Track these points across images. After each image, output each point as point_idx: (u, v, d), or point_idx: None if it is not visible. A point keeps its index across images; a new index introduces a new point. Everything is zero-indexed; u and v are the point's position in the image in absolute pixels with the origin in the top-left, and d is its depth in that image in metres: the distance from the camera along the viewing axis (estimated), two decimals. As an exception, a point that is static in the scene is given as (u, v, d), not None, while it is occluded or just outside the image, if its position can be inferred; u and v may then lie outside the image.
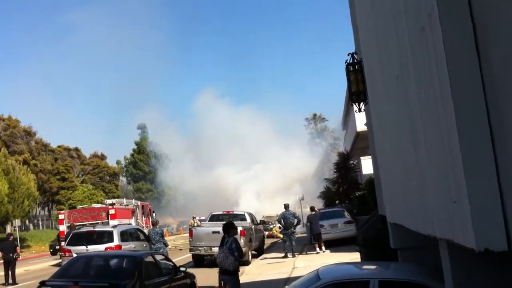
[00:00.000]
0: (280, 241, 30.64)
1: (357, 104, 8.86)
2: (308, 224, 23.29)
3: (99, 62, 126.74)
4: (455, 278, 4.17)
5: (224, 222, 22.11)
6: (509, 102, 2.68)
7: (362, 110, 9.07)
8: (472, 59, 3.00)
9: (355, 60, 8.86)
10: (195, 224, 31.26)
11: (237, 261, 10.55)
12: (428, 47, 3.51)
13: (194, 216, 43.16)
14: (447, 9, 3.06)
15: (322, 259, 18.50)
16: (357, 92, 8.69)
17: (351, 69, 8.84)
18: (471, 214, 2.95)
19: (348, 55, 8.92)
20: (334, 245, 22.33)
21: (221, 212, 24.86)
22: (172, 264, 12.18)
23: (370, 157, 24.33)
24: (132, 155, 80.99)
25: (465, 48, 3.01)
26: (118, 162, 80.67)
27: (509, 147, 2.74)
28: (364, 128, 21.07)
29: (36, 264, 29.04)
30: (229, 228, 10.77)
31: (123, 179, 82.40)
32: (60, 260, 23.04)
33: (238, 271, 10.85)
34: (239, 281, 11.05)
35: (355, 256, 14.92)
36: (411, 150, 4.74)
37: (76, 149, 72.00)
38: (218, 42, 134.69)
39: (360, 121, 22.47)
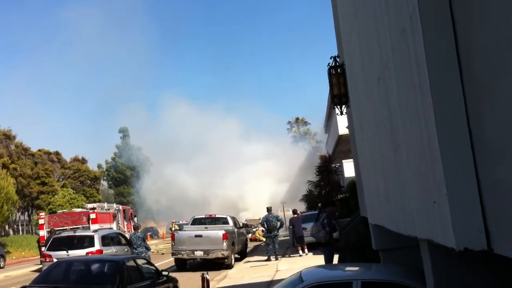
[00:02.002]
0: (263, 244, 30.68)
1: (339, 107, 8.92)
2: (291, 227, 23.34)
3: (81, 66, 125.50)
4: (436, 278, 4.21)
5: (205, 226, 22.30)
6: (488, 103, 2.72)
7: (344, 113, 9.14)
8: (452, 62, 3.03)
9: (337, 63, 8.92)
10: (173, 229, 31.14)
11: (328, 234, 11.80)
12: (409, 49, 3.55)
13: (174, 220, 43.03)
14: (429, 11, 3.10)
15: (305, 262, 18.53)
16: (339, 95, 8.75)
17: (333, 72, 8.90)
18: (450, 214, 2.99)
19: (331, 58, 8.99)
20: (317, 247, 22.40)
21: (204, 216, 24.77)
22: (154, 268, 12.11)
23: (352, 160, 24.59)
24: (113, 158, 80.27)
25: (446, 50, 3.05)
26: (99, 166, 79.86)
27: (488, 148, 2.78)
28: (346, 131, 21.27)
29: (17, 270, 28.61)
30: (327, 204, 12.35)
31: (104, 183, 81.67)
32: (40, 266, 22.79)
33: (332, 242, 12.21)
34: (332, 252, 12.29)
35: (337, 259, 15.00)
36: (391, 151, 4.78)
37: (57, 153, 71.08)
38: (201, 47, 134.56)
39: (342, 124, 22.60)
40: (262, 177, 66.56)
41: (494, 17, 2.52)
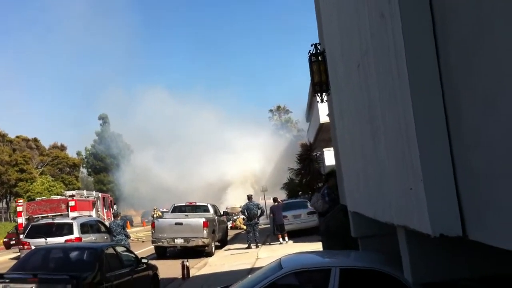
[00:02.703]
0: (243, 232, 30.79)
1: (319, 94, 8.93)
2: (271, 215, 23.46)
3: (62, 52, 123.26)
4: (413, 264, 4.26)
5: (186, 214, 22.29)
6: (463, 88, 2.74)
7: (324, 100, 9.15)
8: (430, 48, 3.05)
9: (318, 51, 8.91)
10: (156, 215, 31.03)
11: (326, 204, 12.11)
12: (387, 35, 3.55)
13: (155, 207, 42.90)
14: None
15: (285, 250, 18.67)
16: (319, 83, 8.75)
17: (314, 59, 8.88)
18: (426, 200, 3.02)
19: (312, 45, 8.97)
20: (297, 235, 22.57)
21: (184, 204, 24.73)
22: (134, 256, 12.10)
23: (333, 148, 24.75)
24: (93, 146, 79.45)
25: (424, 36, 3.05)
26: (78, 153, 79.05)
27: (464, 134, 2.81)
28: (327, 119, 21.37)
29: (-7, 257, 28.26)
30: (329, 177, 12.55)
31: (83, 171, 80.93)
32: (18, 253, 22.55)
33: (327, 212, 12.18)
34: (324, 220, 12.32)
35: (318, 246, 15.12)
36: (370, 138, 4.81)
37: (35, 140, 70.24)
38: (184, 33, 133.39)
39: (324, 112, 22.69)
40: (242, 165, 66.69)
41: (469, 3, 2.53)
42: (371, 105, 4.58)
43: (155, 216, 30.92)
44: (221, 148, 69.04)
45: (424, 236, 3.37)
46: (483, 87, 2.44)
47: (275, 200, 24.00)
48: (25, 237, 18.98)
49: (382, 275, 6.03)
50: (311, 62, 8.93)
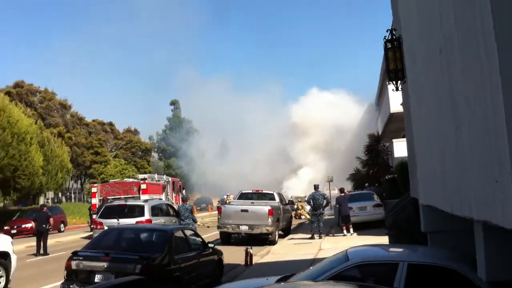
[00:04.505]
0: (307, 222, 30.71)
1: (394, 82, 8.64)
2: (337, 206, 23.22)
3: (136, 38, 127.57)
4: (488, 261, 4.10)
5: (252, 201, 22.48)
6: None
7: (399, 89, 8.85)
8: None
9: (394, 37, 8.61)
10: (228, 201, 31.54)
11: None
12: (475, 19, 3.36)
13: (228, 193, 43.58)
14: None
15: (349, 242, 18.42)
16: (395, 70, 8.45)
17: (389, 46, 8.57)
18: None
19: (387, 31, 8.65)
20: (362, 228, 22.24)
21: (250, 191, 24.90)
22: (200, 240, 12.31)
23: (403, 139, 24.10)
24: (164, 131, 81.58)
25: None
26: (150, 138, 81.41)
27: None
28: (398, 109, 20.79)
29: (67, 236, 29.80)
30: None
31: (154, 155, 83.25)
32: (91, 233, 23.62)
33: None
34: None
35: (383, 240, 14.82)
36: (452, 128, 4.60)
37: (110, 124, 72.80)
38: (251, 21, 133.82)
39: (394, 101, 22.13)
40: (309, 154, 66.49)
41: None
42: (454, 92, 4.38)
43: (227, 201, 31.41)
44: (287, 136, 69.09)
45: (502, 233, 3.21)
46: None
47: (341, 190, 23.74)
48: (98, 217, 19.78)
49: (451, 272, 5.84)
50: (386, 48, 8.62)
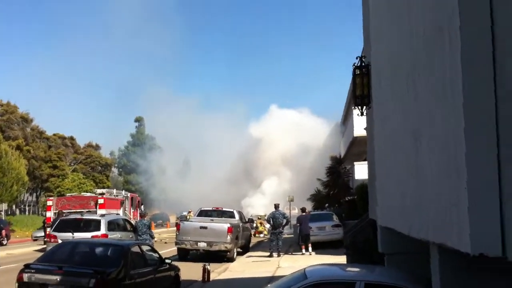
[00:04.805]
0: (266, 240, 30.72)
1: (360, 107, 8.83)
2: (298, 224, 23.32)
3: (101, 53, 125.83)
4: (443, 284, 4.16)
5: (211, 218, 22.37)
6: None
7: (364, 114, 9.04)
8: (487, 64, 2.97)
9: (363, 64, 8.83)
10: (189, 217, 31.29)
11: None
12: (443, 49, 3.47)
13: (190, 210, 43.30)
14: (469, 11, 3.02)
15: (307, 261, 18.46)
16: (361, 96, 8.66)
17: (358, 72, 8.80)
18: (469, 218, 2.94)
19: (357, 58, 8.88)
20: (320, 247, 22.37)
21: (210, 208, 24.82)
22: (157, 255, 12.17)
23: (364, 162, 24.51)
24: (126, 147, 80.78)
25: (482, 52, 2.97)
26: (111, 153, 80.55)
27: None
28: (361, 133, 21.19)
29: (20, 248, 28.84)
30: None
31: (114, 170, 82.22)
32: (44, 246, 22.94)
33: None
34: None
35: (340, 259, 14.94)
36: (413, 152, 4.70)
37: (71, 138, 71.74)
38: (224, 40, 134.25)
39: (359, 125, 22.52)
40: (271, 173, 66.83)
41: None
42: (418, 118, 4.50)
43: (188, 218, 31.15)
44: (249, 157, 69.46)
45: (457, 256, 3.28)
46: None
47: (303, 210, 23.86)
48: (52, 231, 19.26)
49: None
50: (354, 75, 8.84)
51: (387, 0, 6.79)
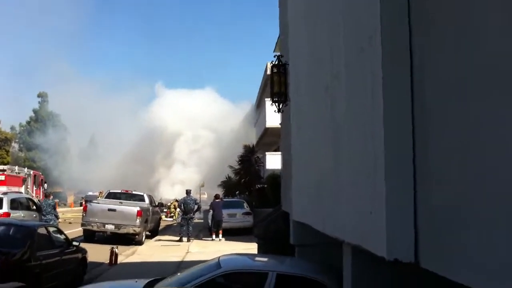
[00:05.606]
0: (175, 224, 30.66)
1: (277, 104, 9.03)
2: (211, 210, 23.48)
3: (9, 23, 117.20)
4: (354, 279, 4.47)
5: (120, 201, 21.93)
6: (434, 131, 2.95)
7: (281, 111, 9.25)
8: (406, 87, 3.21)
9: (281, 63, 8.98)
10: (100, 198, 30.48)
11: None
12: (364, 69, 3.71)
13: (101, 190, 42.04)
14: (389, 34, 3.27)
15: (217, 246, 18.83)
16: (278, 93, 8.80)
17: (275, 70, 8.95)
18: (386, 225, 3.20)
19: (274, 57, 9.06)
20: (230, 234, 22.72)
21: (119, 191, 24.32)
22: (64, 237, 11.91)
23: (275, 153, 24.98)
24: (28, 122, 76.17)
25: (402, 75, 3.22)
26: (12, 128, 75.63)
27: (428, 170, 3.02)
28: (273, 124, 21.60)
29: None
30: None
31: (15, 146, 77.51)
32: None
33: None
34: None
35: (250, 247, 15.32)
36: (331, 156, 4.92)
37: (-33, 110, 66.72)
38: (133, 23, 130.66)
39: (271, 117, 22.90)
40: (182, 160, 66.56)
41: (449, 48, 2.73)
42: (336, 127, 4.72)
43: (99, 198, 30.25)
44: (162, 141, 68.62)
45: (370, 255, 3.57)
46: (453, 130, 2.66)
47: (217, 197, 24.03)
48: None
49: (316, 283, 6.26)
50: (272, 72, 9.01)
51: (307, 6, 6.96)
